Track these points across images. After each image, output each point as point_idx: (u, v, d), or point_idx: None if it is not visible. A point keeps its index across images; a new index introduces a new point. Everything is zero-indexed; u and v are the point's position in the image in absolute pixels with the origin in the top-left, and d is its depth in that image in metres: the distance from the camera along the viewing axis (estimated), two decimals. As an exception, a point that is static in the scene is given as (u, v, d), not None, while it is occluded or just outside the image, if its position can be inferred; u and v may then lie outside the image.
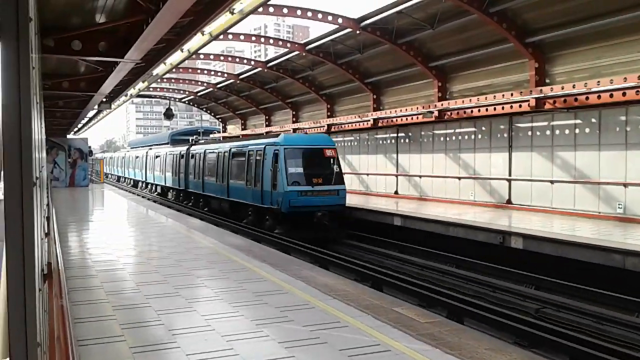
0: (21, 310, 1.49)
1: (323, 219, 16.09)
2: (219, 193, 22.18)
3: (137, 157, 40.38)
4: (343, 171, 18.33)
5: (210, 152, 23.81)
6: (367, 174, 23.93)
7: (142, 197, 31.56)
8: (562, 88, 13.90)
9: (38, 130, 3.21)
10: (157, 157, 33.75)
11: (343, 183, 17.39)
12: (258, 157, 18.21)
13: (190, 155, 26.45)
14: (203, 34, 11.91)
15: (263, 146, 17.97)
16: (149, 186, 36.92)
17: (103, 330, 5.47)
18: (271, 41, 25.44)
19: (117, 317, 5.90)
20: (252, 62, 28.25)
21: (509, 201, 16.81)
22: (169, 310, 6.17)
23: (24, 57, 1.46)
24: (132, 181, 42.72)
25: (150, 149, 37.23)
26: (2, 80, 1.46)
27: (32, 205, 1.52)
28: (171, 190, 31.02)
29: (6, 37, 1.46)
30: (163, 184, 32.16)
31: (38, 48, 5.76)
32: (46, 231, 5.42)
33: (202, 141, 30.80)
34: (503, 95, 15.63)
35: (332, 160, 17.54)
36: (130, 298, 6.75)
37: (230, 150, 21.17)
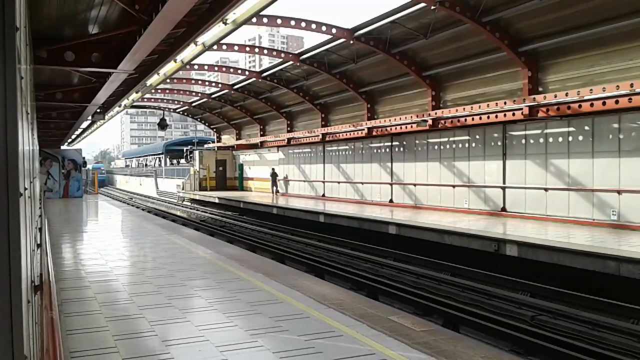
0: (7, 323, 1.47)
1: (105, 182, 73.09)
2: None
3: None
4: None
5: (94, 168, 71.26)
6: (362, 183, 23.95)
7: (136, 207, 31.54)
8: (555, 96, 13.97)
9: (28, 141, 3.19)
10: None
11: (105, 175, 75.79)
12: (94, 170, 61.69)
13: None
14: (196, 45, 11.95)
15: (91, 167, 69.17)
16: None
17: (96, 341, 5.43)
18: (265, 51, 25.48)
19: (110, 328, 5.86)
20: (247, 72, 28.30)
21: (503, 209, 16.85)
22: (163, 321, 6.13)
23: (10, 66, 1.44)
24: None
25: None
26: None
27: (17, 216, 1.50)
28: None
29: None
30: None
31: (30, 59, 5.75)
32: (38, 242, 5.38)
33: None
34: (497, 103, 15.68)
35: (105, 171, 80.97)
36: (123, 309, 6.71)
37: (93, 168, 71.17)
